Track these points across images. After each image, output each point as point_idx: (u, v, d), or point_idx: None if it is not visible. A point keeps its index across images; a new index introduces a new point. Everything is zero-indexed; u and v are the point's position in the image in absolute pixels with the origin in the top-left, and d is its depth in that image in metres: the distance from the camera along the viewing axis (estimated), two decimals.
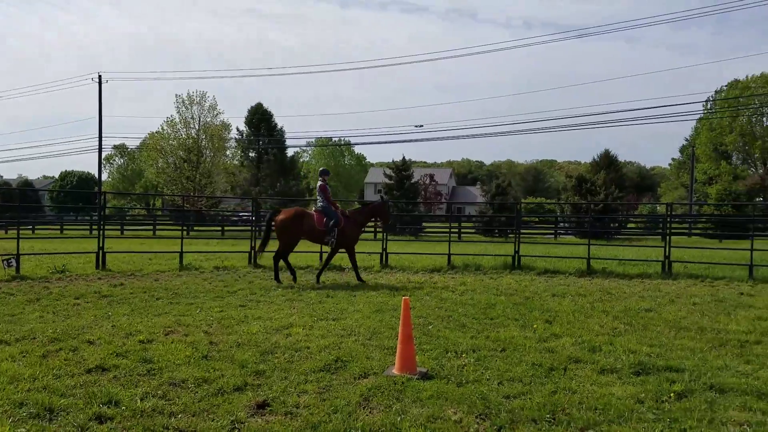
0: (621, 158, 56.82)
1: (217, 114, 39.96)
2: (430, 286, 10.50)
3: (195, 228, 29.90)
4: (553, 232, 31.26)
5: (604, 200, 29.97)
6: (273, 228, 10.75)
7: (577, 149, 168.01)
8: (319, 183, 11.08)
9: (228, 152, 43.97)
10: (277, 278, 10.58)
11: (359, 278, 10.88)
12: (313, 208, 11.06)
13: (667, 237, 13.26)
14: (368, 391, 4.44)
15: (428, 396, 4.32)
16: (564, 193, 36.49)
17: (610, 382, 4.74)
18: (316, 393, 4.41)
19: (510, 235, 14.91)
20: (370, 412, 4.04)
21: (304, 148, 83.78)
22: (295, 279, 10.68)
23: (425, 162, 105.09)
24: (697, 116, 56.12)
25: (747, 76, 52.52)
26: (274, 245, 11.15)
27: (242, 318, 7.27)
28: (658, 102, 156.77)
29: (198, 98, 39.17)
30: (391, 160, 42.83)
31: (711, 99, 56.67)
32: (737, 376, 4.87)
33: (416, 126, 72.06)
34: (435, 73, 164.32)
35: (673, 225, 29.71)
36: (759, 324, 7.06)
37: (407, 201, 35.22)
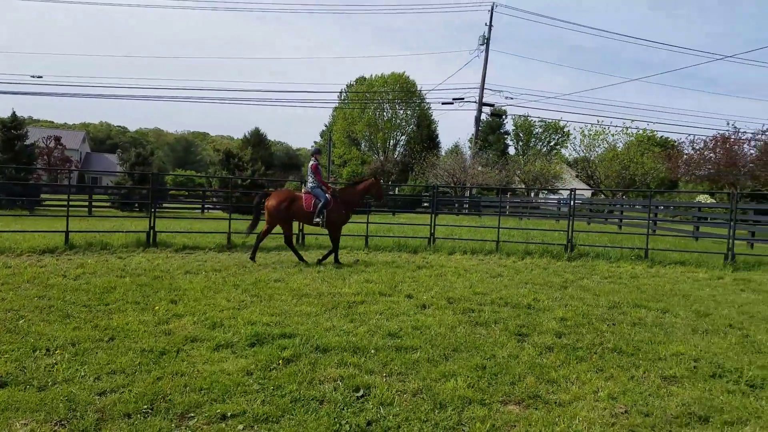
0: (271, 137, 60.15)
1: None
2: (34, 270, 8.71)
3: None
4: (200, 206, 30.75)
5: (251, 176, 30.98)
6: (262, 210, 10.83)
7: (232, 124, 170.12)
8: (311, 163, 10.91)
9: None
10: (300, 258, 10.73)
11: (337, 260, 10.88)
12: (303, 190, 10.96)
13: None
14: None
15: None
16: (212, 167, 36.25)
17: (223, 358, 4.67)
18: None
19: (153, 210, 13.66)
20: None
21: None
22: (253, 258, 10.54)
23: (52, 122, 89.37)
24: (334, 105, 63.81)
25: (371, 75, 62.08)
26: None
27: None
28: (304, 87, 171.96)
29: None
30: None
31: (344, 91, 64.92)
32: (341, 334, 5.43)
33: (33, 77, 60.29)
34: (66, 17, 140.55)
35: None
36: (366, 286, 8.10)
37: (19, 167, 28.86)
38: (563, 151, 57.73)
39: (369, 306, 6.80)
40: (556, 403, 3.96)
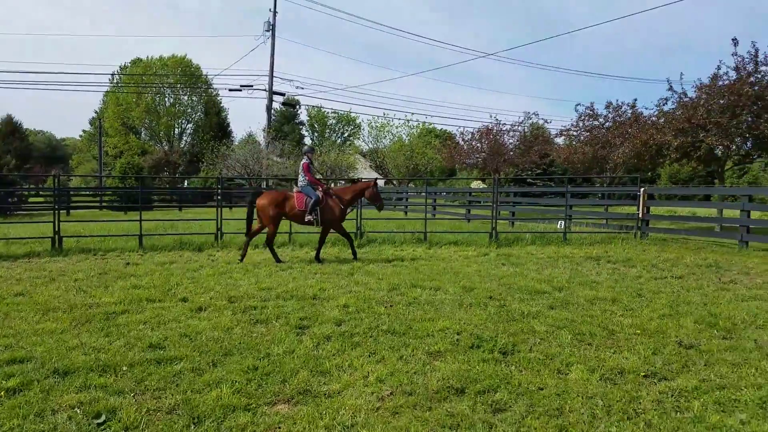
0: (30, 125, 51.29)
1: None
2: None
3: None
4: None
5: None
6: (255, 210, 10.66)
7: None
8: (303, 161, 10.82)
9: None
10: (276, 259, 10.45)
11: (318, 258, 10.70)
12: (294, 189, 10.85)
13: (57, 212, 12.36)
14: None
15: None
16: None
17: None
18: None
19: None
20: None
21: None
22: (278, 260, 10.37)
23: None
24: (105, 89, 56.75)
25: (148, 57, 56.47)
26: None
27: None
28: (68, 69, 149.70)
29: None
30: None
31: (117, 73, 58.05)
32: (89, 353, 4.68)
33: None
34: None
35: (76, 198, 29.04)
36: (132, 292, 7.18)
37: None
38: (356, 142, 60.35)
39: (132, 316, 6.02)
40: (325, 395, 3.87)
